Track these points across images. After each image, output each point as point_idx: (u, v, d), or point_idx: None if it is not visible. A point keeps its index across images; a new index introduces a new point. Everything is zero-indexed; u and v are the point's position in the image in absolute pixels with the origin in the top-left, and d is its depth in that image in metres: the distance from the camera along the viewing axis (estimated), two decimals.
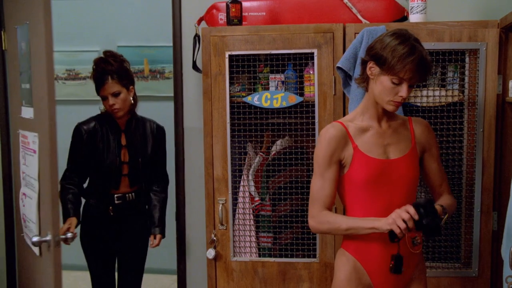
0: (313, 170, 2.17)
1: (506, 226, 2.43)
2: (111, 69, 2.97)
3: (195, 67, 3.20)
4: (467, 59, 2.65)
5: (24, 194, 2.62)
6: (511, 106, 2.61)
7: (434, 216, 1.97)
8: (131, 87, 3.08)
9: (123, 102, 3.01)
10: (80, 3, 4.77)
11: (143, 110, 3.26)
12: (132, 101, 3.11)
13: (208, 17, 3.11)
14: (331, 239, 2.76)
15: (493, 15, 2.86)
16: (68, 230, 2.88)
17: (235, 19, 2.87)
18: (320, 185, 2.15)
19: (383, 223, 1.99)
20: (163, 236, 3.18)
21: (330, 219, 2.13)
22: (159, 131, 3.21)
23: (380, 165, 2.11)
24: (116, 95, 2.98)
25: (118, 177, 3.10)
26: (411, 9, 2.76)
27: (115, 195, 3.10)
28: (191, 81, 3.37)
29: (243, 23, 2.94)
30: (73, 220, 2.99)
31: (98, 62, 3.01)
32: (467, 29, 2.59)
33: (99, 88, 2.99)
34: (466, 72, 2.65)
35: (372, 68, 2.09)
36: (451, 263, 2.72)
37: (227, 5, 2.87)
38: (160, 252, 3.52)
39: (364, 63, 2.15)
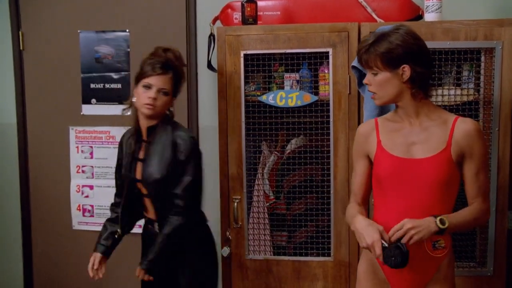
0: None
1: None
2: (176, 65, 2.53)
3: (210, 66, 3.21)
4: (482, 58, 2.65)
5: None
6: None
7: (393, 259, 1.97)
8: (174, 99, 2.62)
9: (164, 105, 2.51)
10: None
11: None
12: (168, 112, 2.60)
13: (223, 17, 3.12)
14: (346, 238, 2.77)
15: (509, 13, 2.84)
16: (93, 267, 2.69)
17: (250, 18, 2.88)
18: (353, 178, 2.30)
19: (359, 238, 2.04)
20: (147, 273, 2.54)
21: (347, 213, 2.25)
22: (183, 145, 2.52)
23: (401, 164, 2.09)
24: (165, 93, 2.48)
25: (139, 198, 2.65)
26: (426, 8, 2.76)
27: (145, 219, 2.75)
28: (205, 80, 3.39)
29: (258, 22, 2.95)
30: (97, 257, 2.69)
31: (166, 50, 2.56)
32: (482, 27, 2.58)
33: (148, 74, 2.47)
34: (482, 71, 2.65)
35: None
36: (466, 262, 2.71)
37: (242, 5, 2.88)
38: None
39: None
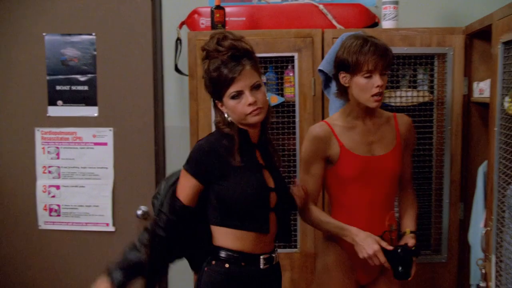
0: (300, 164, 2.41)
1: (472, 215, 2.68)
2: (246, 48, 2.07)
3: (177, 69, 3.34)
4: (436, 63, 2.89)
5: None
6: (476, 105, 2.86)
7: (409, 267, 2.25)
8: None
9: (264, 97, 2.09)
10: None
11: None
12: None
13: (190, 22, 3.26)
14: (311, 231, 2.95)
15: (459, 22, 3.11)
16: None
17: (219, 24, 3.03)
18: (305, 180, 2.37)
19: (359, 250, 2.24)
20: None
21: (317, 217, 2.38)
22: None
23: (365, 162, 2.32)
24: (256, 87, 2.04)
25: (261, 213, 2.19)
26: (384, 16, 2.98)
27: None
28: (170, 82, 3.52)
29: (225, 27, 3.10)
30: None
31: (222, 39, 2.05)
32: (436, 35, 2.83)
33: (230, 82, 2.00)
34: (435, 75, 2.89)
35: (344, 77, 2.29)
36: (423, 250, 2.94)
37: (212, 11, 3.03)
38: None
39: (336, 77, 2.35)
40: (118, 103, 3.51)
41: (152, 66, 3.49)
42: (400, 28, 2.91)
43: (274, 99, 2.95)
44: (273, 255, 2.20)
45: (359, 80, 2.23)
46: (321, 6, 3.13)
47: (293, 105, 2.95)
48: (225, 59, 2.01)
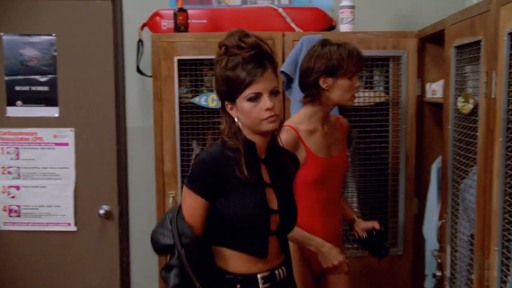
0: None
1: (427, 210, 2.83)
2: (269, 50, 1.91)
3: (139, 70, 3.39)
4: (391, 65, 3.04)
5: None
6: (429, 105, 3.02)
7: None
8: None
9: (281, 105, 1.97)
10: None
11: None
12: None
13: (152, 24, 3.31)
14: None
15: (412, 26, 3.26)
16: None
17: (182, 26, 3.10)
18: None
19: (324, 259, 2.44)
20: None
21: None
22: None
23: (327, 164, 2.44)
24: (275, 93, 1.86)
25: (260, 238, 2.01)
26: (341, 20, 3.11)
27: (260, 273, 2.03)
28: (131, 83, 3.56)
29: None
30: None
31: (244, 36, 1.88)
32: (391, 38, 2.97)
33: (250, 82, 1.82)
34: (390, 76, 3.04)
35: (326, 81, 2.38)
36: None
37: (175, 13, 3.10)
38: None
39: (314, 82, 2.40)
40: (79, 103, 3.53)
41: (113, 66, 3.53)
42: (357, 31, 3.04)
43: None
44: (276, 271, 1.96)
45: (344, 82, 2.36)
46: (280, 10, 3.23)
47: None
48: (247, 57, 1.82)
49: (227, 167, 1.87)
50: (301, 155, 2.36)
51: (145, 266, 3.58)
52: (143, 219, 3.56)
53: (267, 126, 1.84)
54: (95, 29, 3.52)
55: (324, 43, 2.43)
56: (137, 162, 3.56)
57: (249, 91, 1.82)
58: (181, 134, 3.05)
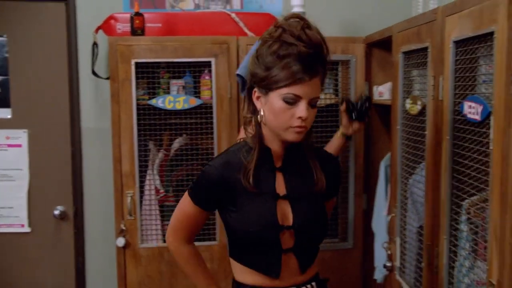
0: None
1: (375, 205, 3.01)
2: (325, 56, 1.74)
3: (94, 72, 3.44)
4: (340, 68, 3.21)
5: None
6: (376, 107, 3.19)
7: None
8: None
9: (313, 119, 1.74)
10: None
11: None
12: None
13: (106, 27, 3.36)
14: None
15: (359, 32, 3.45)
16: None
17: (139, 30, 3.17)
18: None
19: None
20: None
21: None
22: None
23: None
24: (314, 104, 1.70)
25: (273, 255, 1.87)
26: None
27: None
28: (86, 85, 3.61)
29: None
30: None
31: (308, 27, 1.67)
32: (340, 43, 3.14)
33: (296, 81, 1.62)
34: (339, 79, 3.21)
35: None
36: (331, 238, 3.25)
37: (132, 17, 3.17)
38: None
39: None
40: (32, 105, 3.55)
41: (67, 68, 3.56)
42: None
43: (193, 101, 3.14)
44: None
45: None
46: (233, 15, 3.35)
47: (211, 107, 3.14)
48: (303, 53, 1.58)
49: (235, 176, 1.72)
50: None
51: (101, 266, 3.63)
52: (99, 219, 3.61)
53: (291, 136, 1.66)
54: (48, 31, 3.54)
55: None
56: (93, 162, 3.61)
57: (289, 90, 1.61)
58: (138, 135, 3.13)
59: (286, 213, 1.75)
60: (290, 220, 1.75)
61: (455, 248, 1.98)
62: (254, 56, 1.71)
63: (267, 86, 1.65)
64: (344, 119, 2.78)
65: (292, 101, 1.63)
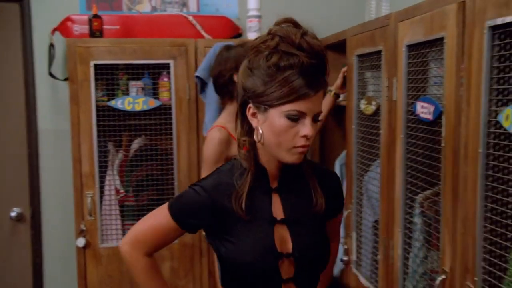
0: (203, 165, 2.64)
1: None
2: (326, 65, 1.52)
3: (51, 74, 3.45)
4: None
5: None
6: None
7: None
8: None
9: (314, 135, 1.53)
10: None
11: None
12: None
13: (63, 28, 3.37)
14: None
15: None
16: None
17: (97, 32, 3.21)
18: None
19: None
20: None
21: None
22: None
23: None
24: (317, 119, 1.51)
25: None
26: (249, 28, 3.34)
27: None
28: (42, 86, 3.60)
29: None
30: None
31: (306, 36, 1.46)
32: None
33: (300, 96, 1.42)
34: None
35: None
36: None
37: (90, 19, 3.20)
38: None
39: (229, 79, 2.63)
40: None
41: (23, 69, 3.56)
42: None
43: (152, 103, 3.19)
44: None
45: None
46: (190, 18, 3.42)
47: (170, 108, 3.20)
48: (306, 64, 1.40)
49: (227, 200, 1.54)
50: (235, 150, 2.56)
51: (60, 267, 3.64)
52: (58, 220, 3.61)
53: (292, 158, 1.48)
54: (3, 32, 3.53)
55: (228, 47, 2.67)
56: (50, 163, 3.60)
57: (292, 107, 1.42)
58: (98, 136, 3.16)
59: (284, 239, 1.56)
60: (289, 247, 1.55)
61: (409, 240, 2.10)
62: (245, 68, 1.50)
63: (266, 102, 1.44)
64: (340, 80, 2.94)
65: (295, 118, 1.43)
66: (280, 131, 1.45)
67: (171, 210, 1.61)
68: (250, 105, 1.50)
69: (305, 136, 1.45)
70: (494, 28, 1.51)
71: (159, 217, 1.64)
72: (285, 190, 1.60)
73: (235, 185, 1.55)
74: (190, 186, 1.62)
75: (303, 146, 1.47)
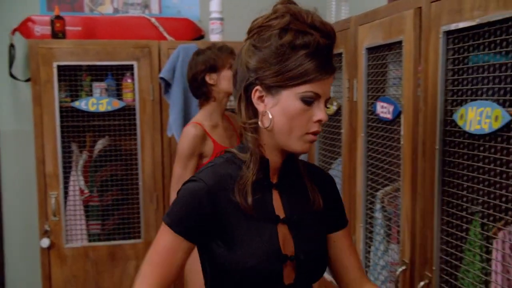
0: (176, 160, 2.67)
1: None
2: (333, 46, 1.36)
3: (11, 75, 3.44)
4: None
5: None
6: None
7: None
8: None
9: None
10: None
11: None
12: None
13: (24, 29, 3.37)
14: (154, 221, 3.28)
15: None
16: None
17: (60, 33, 3.22)
18: (183, 174, 2.64)
19: None
20: None
21: None
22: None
23: None
24: (326, 104, 1.38)
25: None
26: (211, 30, 3.40)
27: None
28: (1, 87, 3.59)
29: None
30: None
31: (317, 17, 1.32)
32: None
33: (317, 77, 1.30)
34: None
35: (212, 77, 2.68)
36: None
37: (52, 20, 3.20)
38: None
39: (202, 82, 2.69)
40: None
41: None
42: (226, 41, 3.35)
43: (116, 104, 3.22)
44: None
45: (226, 73, 2.70)
46: (153, 20, 3.46)
47: (134, 109, 3.24)
48: (321, 44, 1.29)
49: (227, 195, 1.36)
50: (209, 146, 2.65)
51: (23, 269, 3.62)
52: (20, 222, 3.60)
53: (303, 146, 1.34)
54: None
55: (198, 52, 2.74)
56: (12, 165, 3.59)
57: (309, 88, 1.30)
58: (62, 137, 3.17)
59: (286, 240, 1.39)
60: (291, 249, 1.38)
61: (370, 234, 2.20)
62: (249, 48, 1.35)
63: (279, 83, 1.31)
64: None
65: (310, 101, 1.31)
66: (294, 115, 1.30)
67: (169, 221, 1.35)
68: (257, 87, 1.33)
69: (319, 121, 1.33)
70: (448, 33, 1.62)
71: (158, 242, 1.37)
72: (284, 187, 1.43)
73: (233, 175, 1.37)
74: (183, 184, 1.42)
75: (315, 133, 1.34)
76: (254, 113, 1.36)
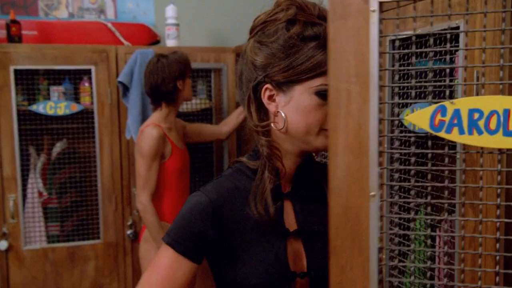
0: (140, 161, 2.75)
1: None
2: None
3: None
4: (213, 75, 3.50)
5: None
6: None
7: None
8: None
9: None
10: None
11: None
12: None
13: None
14: (113, 222, 3.34)
15: (230, 42, 3.77)
16: None
17: (16, 37, 3.25)
18: (149, 175, 2.75)
19: None
20: None
21: (156, 221, 2.75)
22: None
23: (184, 154, 2.90)
24: None
25: None
26: (167, 36, 3.49)
27: None
28: None
29: None
30: None
31: (320, 8, 1.26)
32: (212, 53, 3.43)
33: (318, 71, 1.21)
34: (213, 85, 3.50)
35: (181, 83, 2.85)
36: None
37: (8, 24, 3.23)
38: None
39: (174, 87, 2.81)
40: None
41: None
42: (182, 46, 3.45)
43: (74, 107, 3.27)
44: None
45: (188, 80, 2.90)
46: (109, 25, 3.52)
47: (92, 112, 3.30)
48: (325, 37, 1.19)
49: (232, 210, 1.27)
50: (169, 148, 2.76)
51: None
52: None
53: (323, 142, 1.24)
54: None
55: (162, 56, 2.83)
56: None
57: (324, 81, 1.20)
58: (20, 140, 3.20)
59: (298, 255, 1.29)
60: (303, 265, 1.29)
61: None
62: (254, 45, 1.26)
63: (291, 78, 1.21)
64: None
65: (326, 95, 1.18)
66: (310, 111, 1.21)
67: (171, 241, 1.27)
68: (267, 85, 1.24)
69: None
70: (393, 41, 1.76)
71: (158, 258, 1.28)
72: (298, 196, 1.33)
73: (240, 188, 1.28)
74: (187, 200, 1.30)
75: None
76: (265, 114, 1.28)
